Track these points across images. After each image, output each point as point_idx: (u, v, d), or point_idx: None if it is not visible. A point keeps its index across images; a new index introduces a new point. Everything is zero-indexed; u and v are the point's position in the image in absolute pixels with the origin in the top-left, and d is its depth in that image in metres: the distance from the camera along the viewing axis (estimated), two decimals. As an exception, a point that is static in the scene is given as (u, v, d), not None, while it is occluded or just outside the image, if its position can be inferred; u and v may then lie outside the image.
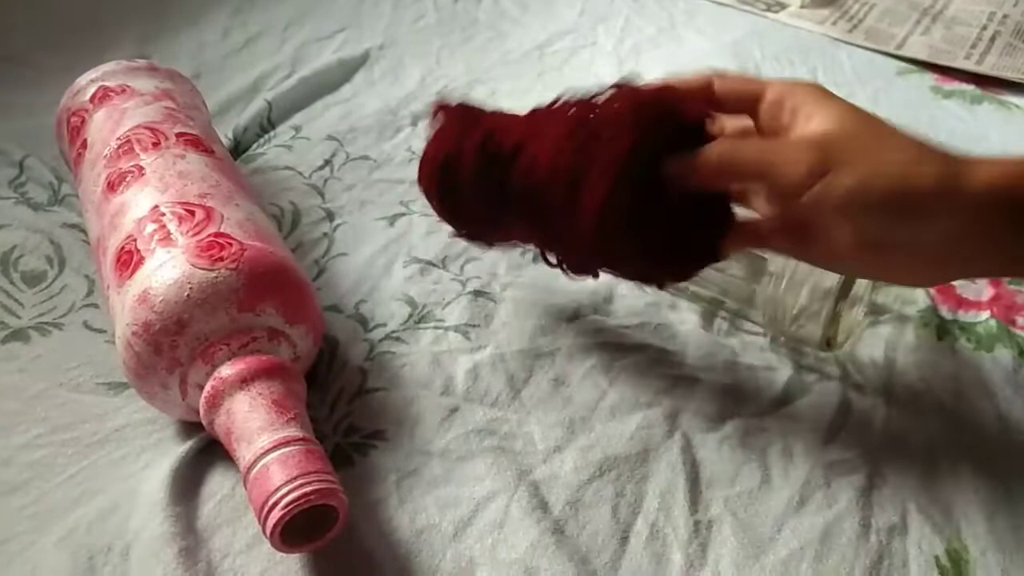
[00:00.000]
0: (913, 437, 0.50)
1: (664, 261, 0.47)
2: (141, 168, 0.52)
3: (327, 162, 0.72)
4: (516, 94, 0.82)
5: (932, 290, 0.60)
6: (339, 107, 0.79)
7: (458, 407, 0.51)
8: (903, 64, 0.90)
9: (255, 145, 0.74)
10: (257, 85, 0.82)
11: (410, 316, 0.57)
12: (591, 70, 0.87)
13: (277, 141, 0.74)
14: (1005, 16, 0.98)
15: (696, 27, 0.96)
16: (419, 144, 0.74)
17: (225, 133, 0.73)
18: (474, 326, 0.56)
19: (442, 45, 0.91)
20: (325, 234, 0.64)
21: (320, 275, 0.60)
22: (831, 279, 0.51)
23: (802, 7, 0.98)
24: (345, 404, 0.51)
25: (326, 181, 0.70)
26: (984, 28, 0.96)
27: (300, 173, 0.70)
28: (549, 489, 0.46)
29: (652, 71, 0.86)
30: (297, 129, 0.76)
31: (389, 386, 0.52)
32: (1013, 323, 0.58)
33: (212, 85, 0.80)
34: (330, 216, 0.66)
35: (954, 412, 0.52)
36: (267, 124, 0.76)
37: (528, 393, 0.52)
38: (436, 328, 0.56)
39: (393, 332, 0.56)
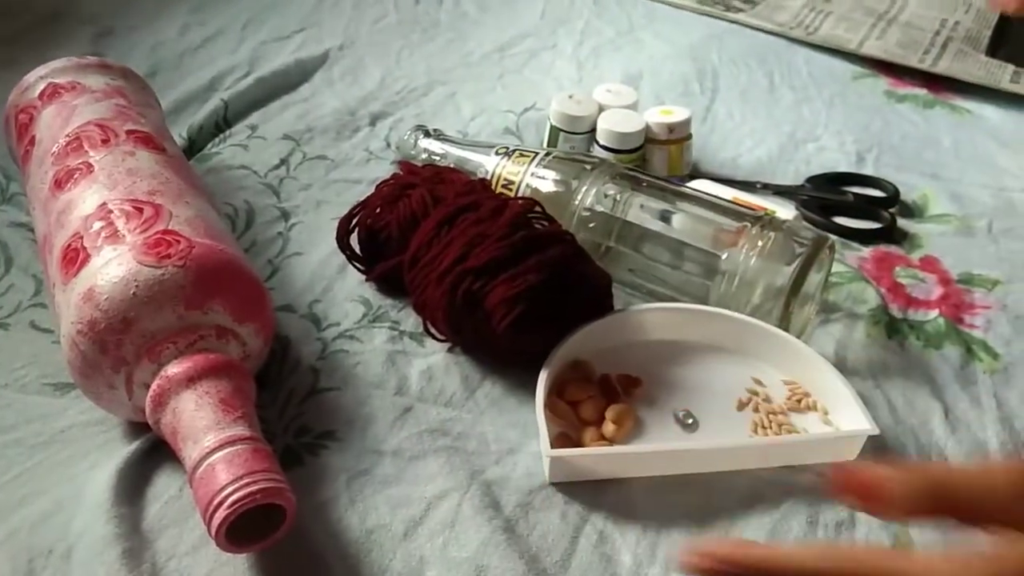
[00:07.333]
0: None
1: None
2: (90, 165, 0.51)
3: (283, 161, 0.71)
4: (476, 95, 0.82)
5: (883, 288, 0.61)
6: (297, 107, 0.79)
7: (412, 407, 0.51)
8: (858, 69, 0.92)
9: (210, 144, 0.73)
10: (214, 84, 0.81)
11: (364, 316, 0.56)
12: (551, 72, 0.88)
13: (233, 140, 0.73)
14: (957, 23, 1.00)
15: (655, 30, 0.96)
16: (377, 144, 0.74)
17: (180, 132, 0.72)
18: (429, 334, 0.56)
19: (402, 46, 0.90)
20: (280, 233, 0.63)
21: (274, 274, 0.60)
22: (783, 278, 0.52)
23: None
24: (296, 404, 0.50)
25: (282, 180, 0.69)
26: (937, 33, 0.98)
27: (255, 172, 0.69)
28: (501, 489, 0.46)
29: (611, 74, 0.87)
30: (253, 128, 0.75)
31: (342, 385, 0.52)
32: (961, 321, 0.59)
33: (168, 83, 0.79)
34: (285, 215, 0.65)
35: (903, 408, 0.52)
36: (223, 123, 0.75)
37: (483, 393, 0.52)
38: (391, 329, 0.56)
39: (347, 331, 0.55)
